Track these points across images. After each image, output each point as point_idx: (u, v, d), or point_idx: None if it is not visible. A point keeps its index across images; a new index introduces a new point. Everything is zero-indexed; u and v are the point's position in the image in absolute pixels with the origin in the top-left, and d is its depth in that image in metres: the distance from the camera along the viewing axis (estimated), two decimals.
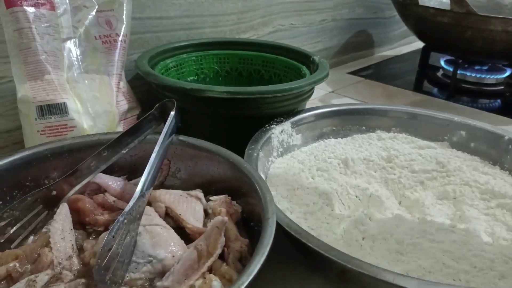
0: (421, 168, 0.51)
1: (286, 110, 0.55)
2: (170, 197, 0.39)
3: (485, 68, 0.94)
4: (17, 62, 0.46)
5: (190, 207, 0.39)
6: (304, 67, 0.64)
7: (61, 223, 0.35)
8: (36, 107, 0.46)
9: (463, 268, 0.36)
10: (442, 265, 0.36)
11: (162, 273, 0.32)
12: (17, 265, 0.33)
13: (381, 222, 0.41)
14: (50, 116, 0.46)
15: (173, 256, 0.33)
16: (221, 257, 0.34)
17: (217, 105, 0.51)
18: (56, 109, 0.46)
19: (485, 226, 0.42)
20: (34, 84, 0.46)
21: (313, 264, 0.39)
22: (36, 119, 0.46)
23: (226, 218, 0.35)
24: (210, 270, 0.33)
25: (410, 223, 0.41)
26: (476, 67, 0.94)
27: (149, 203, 0.39)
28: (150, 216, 0.36)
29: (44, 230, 0.36)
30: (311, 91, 0.58)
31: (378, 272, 0.31)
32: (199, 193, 0.41)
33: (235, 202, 0.40)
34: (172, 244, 0.34)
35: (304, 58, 0.65)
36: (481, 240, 0.39)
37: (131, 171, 0.44)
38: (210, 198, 0.41)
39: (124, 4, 0.54)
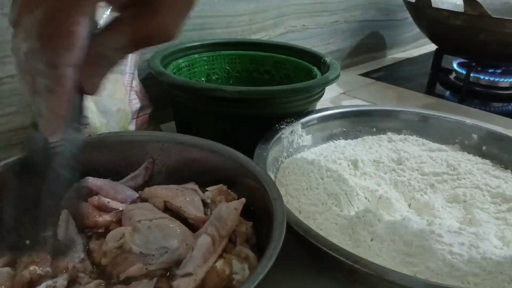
0: (432, 170, 0.51)
1: (296, 111, 0.55)
2: (167, 192, 0.40)
3: (499, 71, 0.93)
4: None
5: (188, 199, 0.40)
6: (315, 68, 0.64)
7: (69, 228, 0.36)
8: None
9: (471, 271, 0.35)
10: (451, 267, 0.36)
11: (177, 262, 0.33)
12: (37, 268, 0.32)
13: (389, 224, 0.41)
14: None
15: (186, 244, 0.34)
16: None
17: (227, 105, 0.52)
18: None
19: (495, 229, 0.42)
20: None
21: (321, 264, 0.39)
22: None
23: (244, 199, 0.37)
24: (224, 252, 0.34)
25: (419, 225, 0.41)
26: (490, 70, 0.94)
27: (146, 200, 0.40)
28: (153, 211, 0.37)
29: None
30: (321, 92, 0.58)
31: (386, 272, 0.31)
32: (194, 185, 0.42)
33: (230, 190, 0.41)
34: (182, 233, 0.35)
35: (315, 59, 0.66)
36: (491, 243, 0.39)
37: (117, 173, 0.45)
38: (207, 189, 0.41)
39: None
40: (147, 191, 0.41)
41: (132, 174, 0.44)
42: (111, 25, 0.23)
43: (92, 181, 0.41)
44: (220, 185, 0.41)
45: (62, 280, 0.32)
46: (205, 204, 0.40)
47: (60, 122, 0.24)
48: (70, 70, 0.22)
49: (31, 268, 0.32)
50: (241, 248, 0.34)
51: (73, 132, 0.25)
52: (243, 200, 0.37)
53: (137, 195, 0.41)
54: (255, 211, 0.38)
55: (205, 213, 0.39)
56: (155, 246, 0.33)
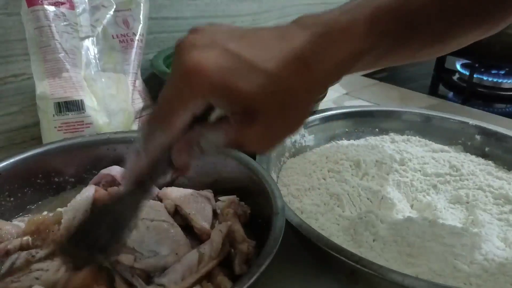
0: (434, 171, 0.51)
1: None
2: (181, 196, 0.40)
3: (502, 72, 0.93)
4: (36, 59, 0.47)
5: (199, 207, 0.39)
6: None
7: (79, 202, 0.36)
8: (54, 104, 0.47)
9: (474, 272, 0.35)
10: (453, 268, 0.36)
11: (163, 268, 0.33)
12: (30, 239, 0.34)
13: (392, 225, 0.41)
14: (67, 112, 0.47)
15: (176, 254, 0.33)
16: (226, 260, 0.35)
17: None
18: (73, 106, 0.47)
19: (498, 231, 0.41)
20: (52, 81, 0.47)
21: (323, 264, 0.39)
22: (53, 115, 0.47)
23: (229, 223, 0.36)
24: (208, 276, 0.33)
25: (421, 226, 0.41)
26: (493, 71, 0.93)
27: (160, 199, 0.40)
28: (159, 212, 0.37)
29: (60, 209, 0.37)
30: (324, 92, 0.58)
31: (388, 273, 0.31)
32: (209, 193, 0.41)
33: (243, 203, 0.40)
34: (176, 242, 0.34)
35: None
36: (493, 244, 0.39)
37: None
38: (219, 198, 0.41)
39: (141, 4, 0.55)
40: (163, 191, 0.40)
41: None
42: (218, 122, 0.27)
43: (117, 171, 0.41)
44: (233, 197, 0.40)
45: (42, 252, 0.32)
46: (215, 215, 0.39)
47: (134, 176, 0.30)
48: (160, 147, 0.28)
49: (25, 238, 0.33)
50: (222, 279, 0.33)
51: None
52: (228, 223, 0.36)
53: (157, 191, 0.41)
54: (263, 224, 0.37)
55: (213, 224, 0.38)
56: (146, 247, 0.33)
